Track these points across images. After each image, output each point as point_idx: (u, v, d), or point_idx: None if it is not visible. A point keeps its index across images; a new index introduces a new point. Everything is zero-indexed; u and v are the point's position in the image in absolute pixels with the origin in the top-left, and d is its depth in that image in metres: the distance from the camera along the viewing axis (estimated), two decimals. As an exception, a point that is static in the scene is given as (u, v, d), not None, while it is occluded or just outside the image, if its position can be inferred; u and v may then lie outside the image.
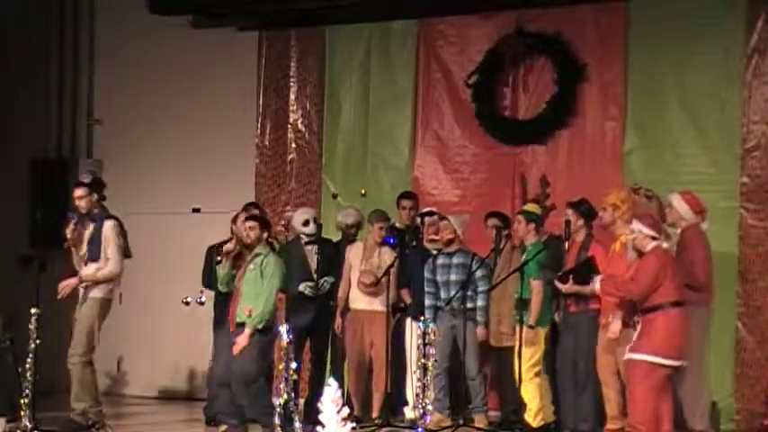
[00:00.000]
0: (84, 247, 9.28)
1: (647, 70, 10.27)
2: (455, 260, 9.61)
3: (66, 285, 9.20)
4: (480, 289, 9.51)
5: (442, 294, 9.58)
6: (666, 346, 7.80)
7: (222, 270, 8.96)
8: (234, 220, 10.03)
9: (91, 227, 9.28)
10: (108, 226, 9.29)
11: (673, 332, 7.82)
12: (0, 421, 9.08)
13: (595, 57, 10.46)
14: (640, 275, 7.90)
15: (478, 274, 9.51)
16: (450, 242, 9.66)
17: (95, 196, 9.37)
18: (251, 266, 8.77)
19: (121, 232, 9.37)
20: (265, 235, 8.90)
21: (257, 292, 8.65)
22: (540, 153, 10.70)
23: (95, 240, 9.26)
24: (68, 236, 9.33)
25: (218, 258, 9.01)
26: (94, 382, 9.31)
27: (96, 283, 9.21)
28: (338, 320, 9.89)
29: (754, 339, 9.73)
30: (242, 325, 8.65)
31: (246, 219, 9.00)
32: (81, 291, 9.23)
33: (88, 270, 9.21)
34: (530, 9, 10.70)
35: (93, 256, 9.25)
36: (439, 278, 9.65)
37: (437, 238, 9.85)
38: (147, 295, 11.98)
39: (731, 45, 9.98)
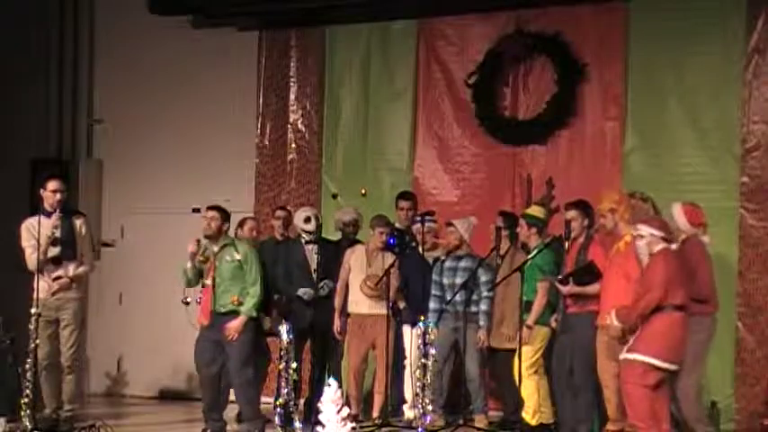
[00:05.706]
0: (54, 247, 9.06)
1: (647, 70, 10.26)
2: (462, 264, 9.58)
3: (61, 286, 9.11)
4: (484, 294, 9.50)
5: (448, 297, 9.58)
6: (665, 349, 7.76)
7: (193, 270, 8.97)
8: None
9: (59, 224, 9.06)
10: (82, 223, 9.25)
11: (673, 336, 7.78)
12: (0, 421, 9.08)
13: (595, 57, 10.45)
14: (653, 279, 7.77)
15: (483, 278, 9.50)
16: (456, 248, 9.65)
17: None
18: (227, 257, 8.80)
19: (90, 229, 9.36)
20: (226, 226, 8.90)
21: (243, 280, 8.74)
22: (540, 153, 10.69)
23: (69, 238, 9.11)
24: (54, 234, 9.01)
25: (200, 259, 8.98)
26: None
27: (76, 282, 9.19)
28: (337, 323, 9.86)
29: (754, 339, 9.73)
30: (229, 314, 8.73)
31: (208, 208, 8.92)
32: (53, 292, 9.07)
33: (75, 270, 9.15)
34: (530, 9, 10.70)
35: (70, 255, 9.13)
36: (445, 281, 9.64)
37: (442, 242, 9.84)
38: (147, 295, 11.99)
39: (731, 45, 9.98)
